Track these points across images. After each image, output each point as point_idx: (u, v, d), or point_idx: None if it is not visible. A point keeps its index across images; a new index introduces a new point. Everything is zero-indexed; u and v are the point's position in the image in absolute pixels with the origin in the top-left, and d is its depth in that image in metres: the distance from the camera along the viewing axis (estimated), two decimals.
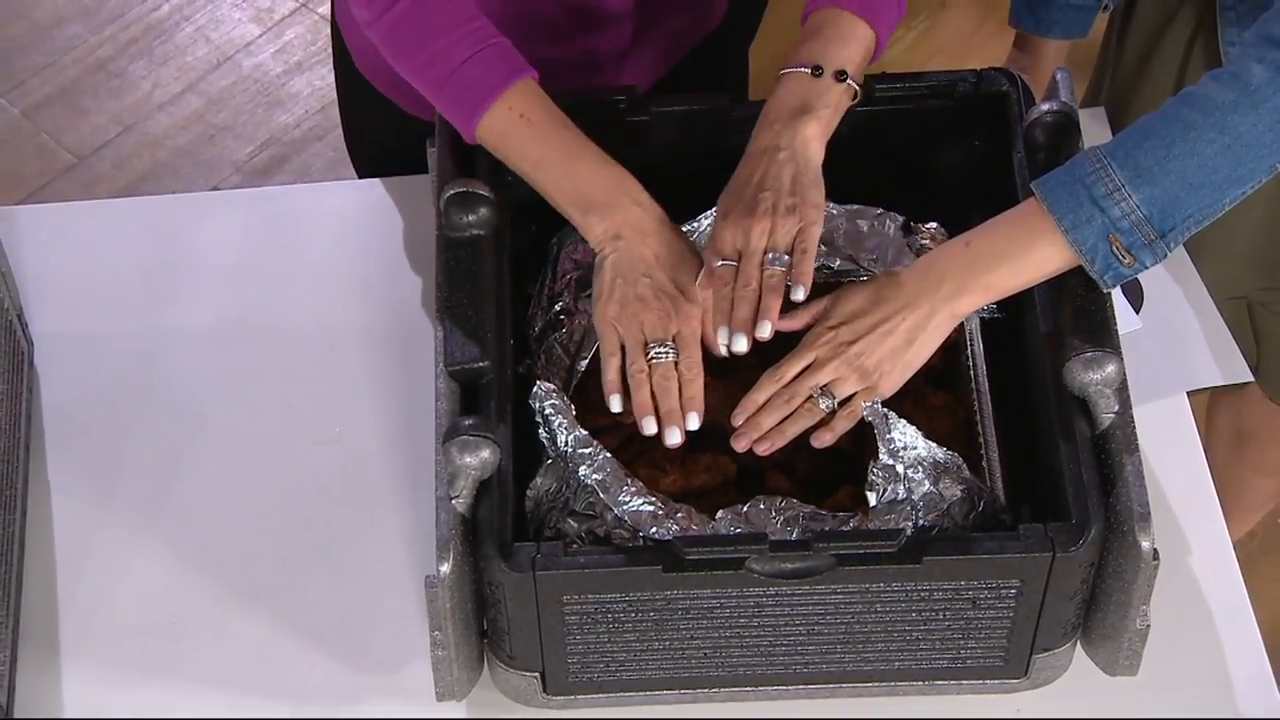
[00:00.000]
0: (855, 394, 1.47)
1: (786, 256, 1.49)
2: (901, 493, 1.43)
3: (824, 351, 1.48)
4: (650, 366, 1.49)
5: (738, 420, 1.49)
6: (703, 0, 1.82)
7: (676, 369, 1.49)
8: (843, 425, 1.48)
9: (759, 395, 1.49)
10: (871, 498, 1.43)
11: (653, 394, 1.48)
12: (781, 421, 1.48)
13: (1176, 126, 1.41)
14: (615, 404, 1.50)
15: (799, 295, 1.48)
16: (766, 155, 1.50)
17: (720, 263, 1.50)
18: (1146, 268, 1.44)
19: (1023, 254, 1.45)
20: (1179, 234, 1.42)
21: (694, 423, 1.49)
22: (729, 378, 1.55)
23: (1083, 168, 1.43)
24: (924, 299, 1.47)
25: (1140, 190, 1.41)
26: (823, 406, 1.47)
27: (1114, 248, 1.42)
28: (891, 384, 1.48)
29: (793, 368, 1.48)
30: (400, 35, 1.55)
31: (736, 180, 1.52)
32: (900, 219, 1.59)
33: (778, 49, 1.59)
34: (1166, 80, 1.83)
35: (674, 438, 1.48)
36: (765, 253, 1.48)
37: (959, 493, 1.43)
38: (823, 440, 1.47)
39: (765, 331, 1.48)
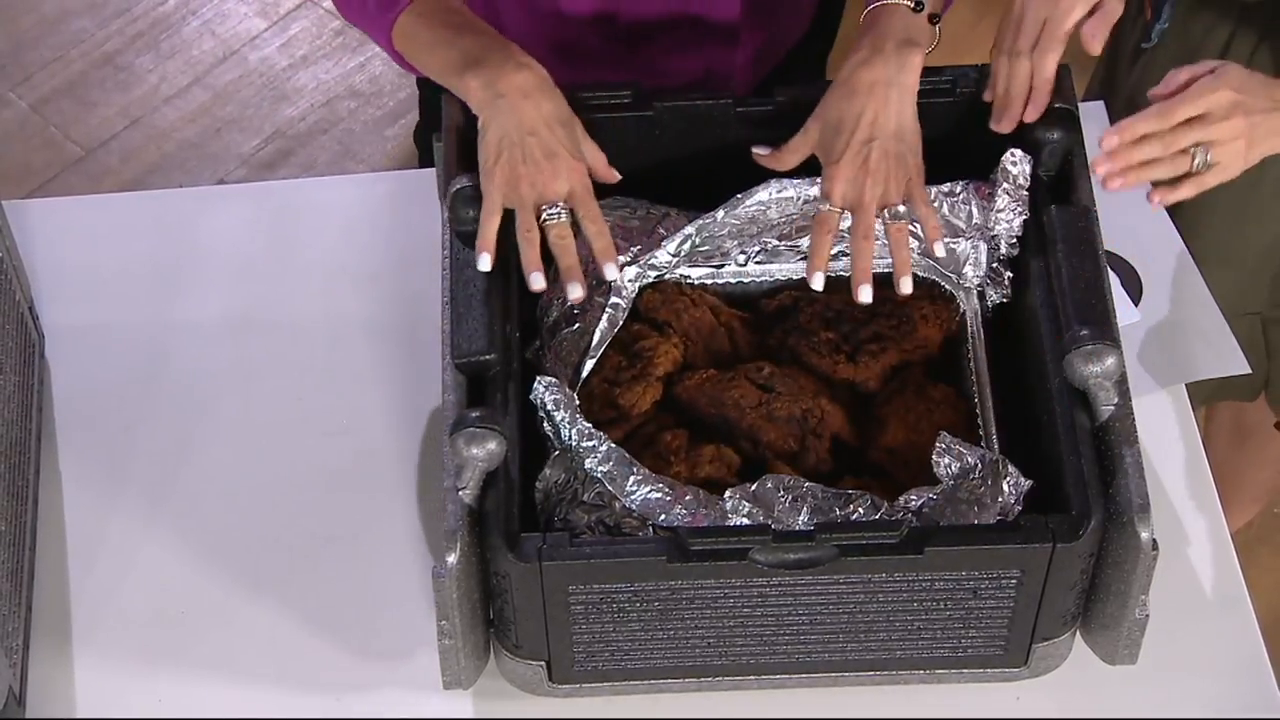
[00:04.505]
0: (1214, 166, 1.46)
1: (901, 208, 1.50)
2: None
3: (1220, 106, 1.45)
4: (544, 228, 1.49)
5: (1109, 142, 1.46)
6: (794, 13, 1.84)
7: (575, 228, 1.50)
8: (1189, 191, 1.46)
9: (1141, 125, 1.46)
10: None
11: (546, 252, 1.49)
12: (1148, 163, 1.46)
13: None
14: (484, 262, 1.49)
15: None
16: (876, 91, 1.50)
17: (827, 208, 1.51)
18: None
19: None
20: None
21: (612, 272, 1.50)
22: (731, 371, 1.56)
23: None
24: None
25: None
26: (1196, 163, 1.45)
27: None
28: (1257, 156, 1.47)
29: (1185, 112, 1.45)
30: None
31: (841, 114, 1.51)
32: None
33: None
34: None
35: (575, 292, 1.49)
36: (881, 207, 1.50)
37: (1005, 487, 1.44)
38: (1180, 195, 1.46)
39: (908, 287, 1.50)
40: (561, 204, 1.50)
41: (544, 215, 1.49)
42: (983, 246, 1.58)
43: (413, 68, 1.62)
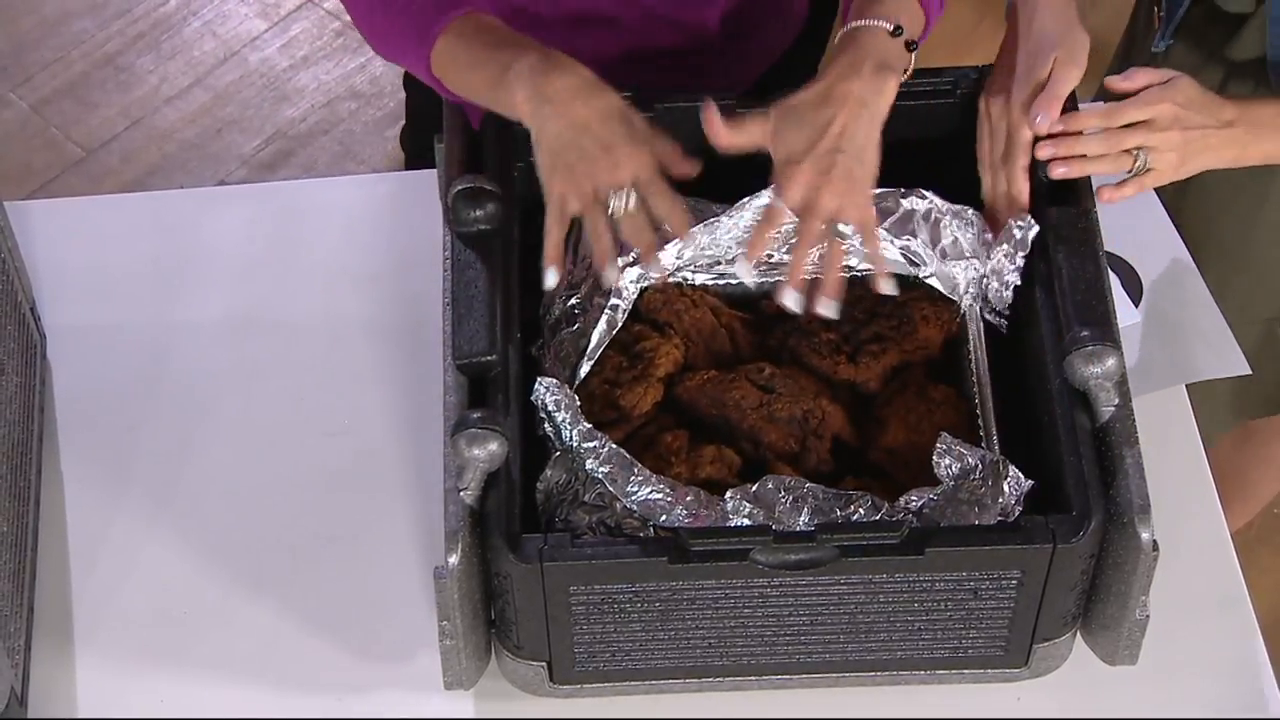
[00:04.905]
0: (1151, 170, 1.52)
1: (844, 228, 1.47)
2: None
3: (1163, 117, 1.50)
4: (615, 221, 1.45)
5: (1054, 128, 1.51)
6: (783, 14, 1.83)
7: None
8: (1132, 190, 1.52)
9: (1088, 120, 1.51)
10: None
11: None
12: (1093, 158, 1.51)
13: None
14: (550, 278, 1.47)
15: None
16: (850, 104, 1.46)
17: (780, 204, 1.47)
18: None
19: None
20: None
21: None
22: (732, 372, 1.56)
23: None
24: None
25: None
26: (1138, 164, 1.51)
27: None
28: (1189, 170, 1.53)
29: (1131, 115, 1.51)
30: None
31: (810, 116, 1.47)
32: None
33: None
34: None
35: (655, 269, 1.47)
36: (829, 221, 1.46)
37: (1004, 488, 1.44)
38: (1125, 193, 1.52)
39: (833, 312, 1.48)
40: (628, 189, 1.45)
41: (611, 206, 1.45)
42: (977, 263, 1.57)
43: (456, 96, 1.57)
